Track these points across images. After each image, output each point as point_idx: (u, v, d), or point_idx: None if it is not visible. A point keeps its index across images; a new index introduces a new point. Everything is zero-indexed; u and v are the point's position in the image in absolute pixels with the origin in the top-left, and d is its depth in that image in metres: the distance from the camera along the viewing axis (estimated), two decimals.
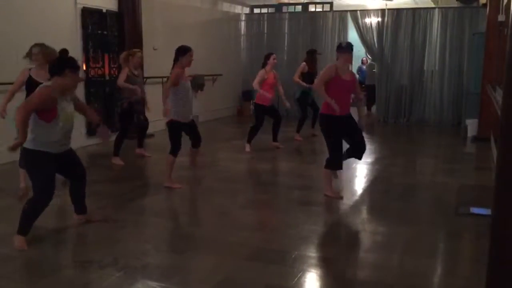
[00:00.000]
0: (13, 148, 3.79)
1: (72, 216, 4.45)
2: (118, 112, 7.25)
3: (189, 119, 5.59)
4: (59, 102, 3.84)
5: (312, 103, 9.16)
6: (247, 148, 7.84)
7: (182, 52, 5.38)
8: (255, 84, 7.61)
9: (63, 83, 3.84)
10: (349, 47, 5.17)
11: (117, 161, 6.83)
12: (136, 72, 6.90)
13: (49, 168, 3.91)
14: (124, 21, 8.73)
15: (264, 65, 7.72)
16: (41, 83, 4.12)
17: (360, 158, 5.52)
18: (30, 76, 5.08)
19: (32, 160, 3.89)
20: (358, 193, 5.56)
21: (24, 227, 3.89)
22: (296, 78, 8.77)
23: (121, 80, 6.74)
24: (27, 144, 3.82)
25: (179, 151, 5.57)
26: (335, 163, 5.24)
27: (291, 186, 5.90)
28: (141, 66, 7.14)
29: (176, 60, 5.42)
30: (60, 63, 3.97)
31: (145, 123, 7.28)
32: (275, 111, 8.10)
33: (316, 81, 5.05)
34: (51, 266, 3.62)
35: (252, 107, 8.14)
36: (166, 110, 5.36)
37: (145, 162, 7.28)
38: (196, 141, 5.81)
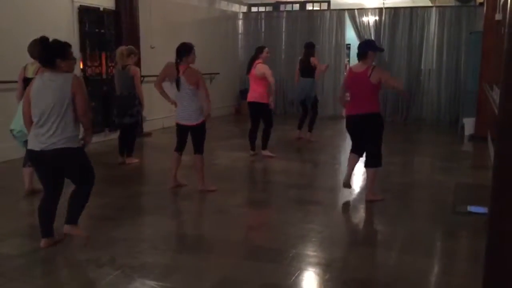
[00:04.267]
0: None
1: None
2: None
3: (179, 121, 5.39)
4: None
5: (304, 103, 8.78)
6: (267, 153, 7.23)
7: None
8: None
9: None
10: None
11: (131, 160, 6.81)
12: None
13: None
14: (121, 19, 8.71)
15: (256, 58, 7.04)
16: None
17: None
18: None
19: (85, 156, 3.91)
20: (356, 192, 5.56)
21: (77, 217, 3.94)
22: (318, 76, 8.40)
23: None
24: (78, 144, 3.80)
25: (177, 149, 5.54)
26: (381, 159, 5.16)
27: (289, 185, 5.89)
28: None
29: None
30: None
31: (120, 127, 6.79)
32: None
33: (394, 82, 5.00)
34: (49, 265, 3.62)
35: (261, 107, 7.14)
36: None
37: (143, 161, 7.27)
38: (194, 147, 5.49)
